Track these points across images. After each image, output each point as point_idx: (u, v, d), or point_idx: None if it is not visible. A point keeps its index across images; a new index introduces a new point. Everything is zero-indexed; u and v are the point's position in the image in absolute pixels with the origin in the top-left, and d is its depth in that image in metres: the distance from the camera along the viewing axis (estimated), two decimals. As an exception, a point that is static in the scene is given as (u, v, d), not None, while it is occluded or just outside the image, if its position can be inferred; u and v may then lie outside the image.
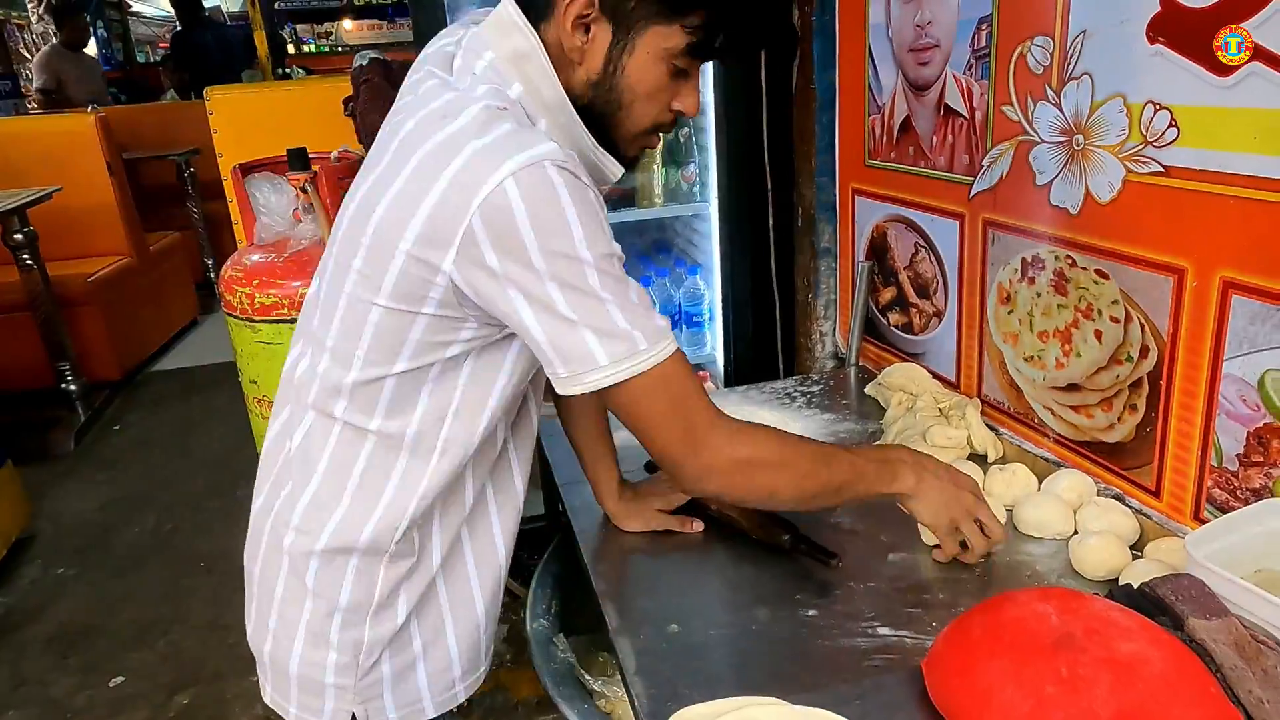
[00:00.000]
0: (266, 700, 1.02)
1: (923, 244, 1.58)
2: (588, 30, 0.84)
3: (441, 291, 0.81)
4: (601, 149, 0.90)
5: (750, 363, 2.25)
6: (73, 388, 3.80)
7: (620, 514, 1.25)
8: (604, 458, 1.26)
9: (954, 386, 1.55)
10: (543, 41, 0.85)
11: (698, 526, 1.23)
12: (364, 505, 0.91)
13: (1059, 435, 1.31)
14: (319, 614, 0.94)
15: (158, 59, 9.10)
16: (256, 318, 2.03)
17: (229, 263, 2.16)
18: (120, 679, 2.27)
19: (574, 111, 0.86)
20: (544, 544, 1.45)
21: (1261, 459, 1.00)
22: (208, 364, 4.43)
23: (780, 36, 0.92)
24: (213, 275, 5.48)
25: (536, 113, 0.85)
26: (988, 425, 1.42)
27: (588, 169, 0.86)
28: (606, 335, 0.80)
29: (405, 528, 0.92)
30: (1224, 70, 0.94)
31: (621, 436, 1.37)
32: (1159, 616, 0.81)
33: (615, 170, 0.93)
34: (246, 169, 2.18)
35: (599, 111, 0.87)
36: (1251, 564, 0.91)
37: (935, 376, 1.58)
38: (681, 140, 2.27)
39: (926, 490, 1.01)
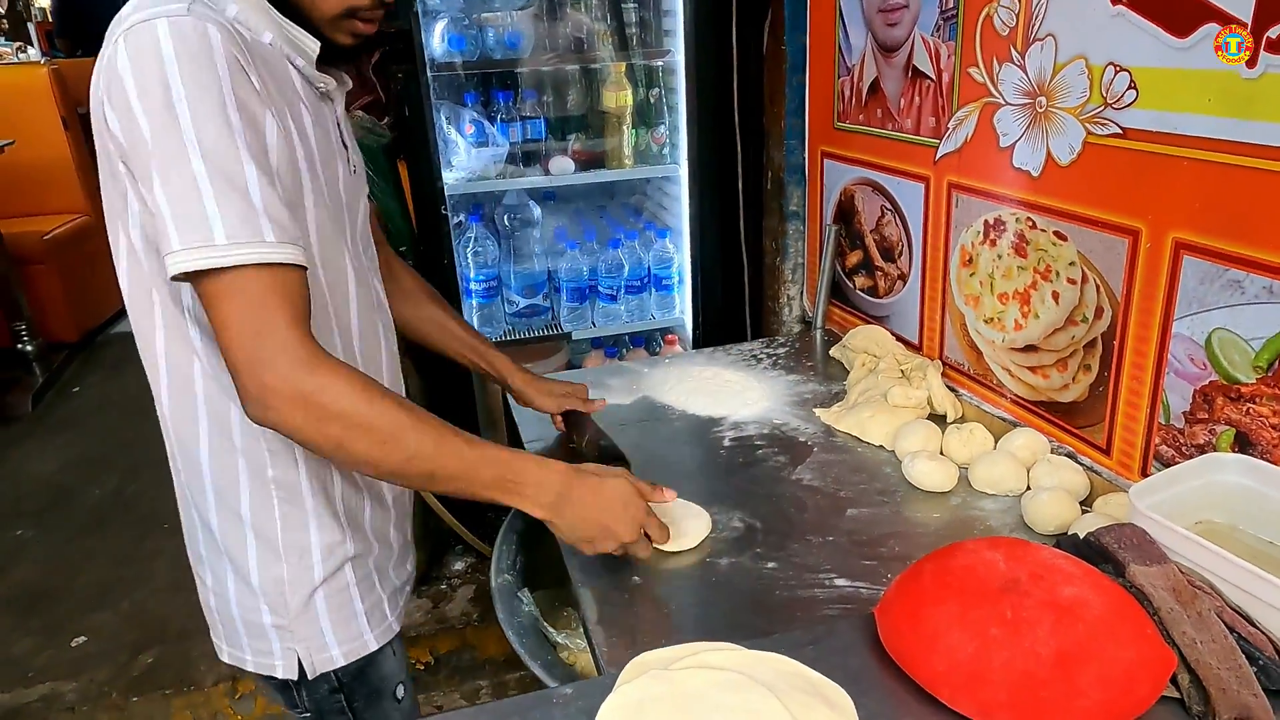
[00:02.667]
0: (225, 659, 1.03)
1: (889, 207, 1.59)
2: None
3: (114, 162, 0.81)
4: (294, 24, 0.87)
5: (718, 326, 2.26)
6: (29, 348, 3.72)
7: (531, 392, 1.32)
8: (479, 342, 1.30)
9: (916, 349, 1.57)
10: None
11: (599, 404, 1.36)
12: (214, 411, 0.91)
13: (1016, 396, 1.34)
14: (235, 548, 0.95)
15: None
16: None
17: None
18: (82, 639, 2.25)
19: None
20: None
21: (1206, 416, 1.03)
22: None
23: None
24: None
25: (223, 2, 0.82)
26: (948, 386, 1.44)
27: (292, 47, 0.87)
28: (185, 213, 0.74)
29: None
30: (1182, 31, 0.95)
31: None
32: (1102, 564, 0.84)
33: (309, 42, 0.88)
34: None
35: None
36: (1193, 515, 0.94)
37: (898, 339, 1.60)
38: (652, 101, 2.24)
39: (566, 519, 0.92)
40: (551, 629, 1.24)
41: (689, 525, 1.12)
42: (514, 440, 1.52)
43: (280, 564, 0.95)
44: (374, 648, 1.03)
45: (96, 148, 0.83)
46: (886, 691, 0.78)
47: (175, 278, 0.76)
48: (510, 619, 1.24)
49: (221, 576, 0.98)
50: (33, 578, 2.52)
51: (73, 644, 2.24)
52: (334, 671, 1.01)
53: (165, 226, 0.75)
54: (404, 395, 1.07)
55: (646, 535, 0.98)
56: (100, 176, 0.85)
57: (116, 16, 0.79)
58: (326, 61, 0.92)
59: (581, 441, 1.29)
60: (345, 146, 0.98)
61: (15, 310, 3.65)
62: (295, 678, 0.98)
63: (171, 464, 0.99)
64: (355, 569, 1.01)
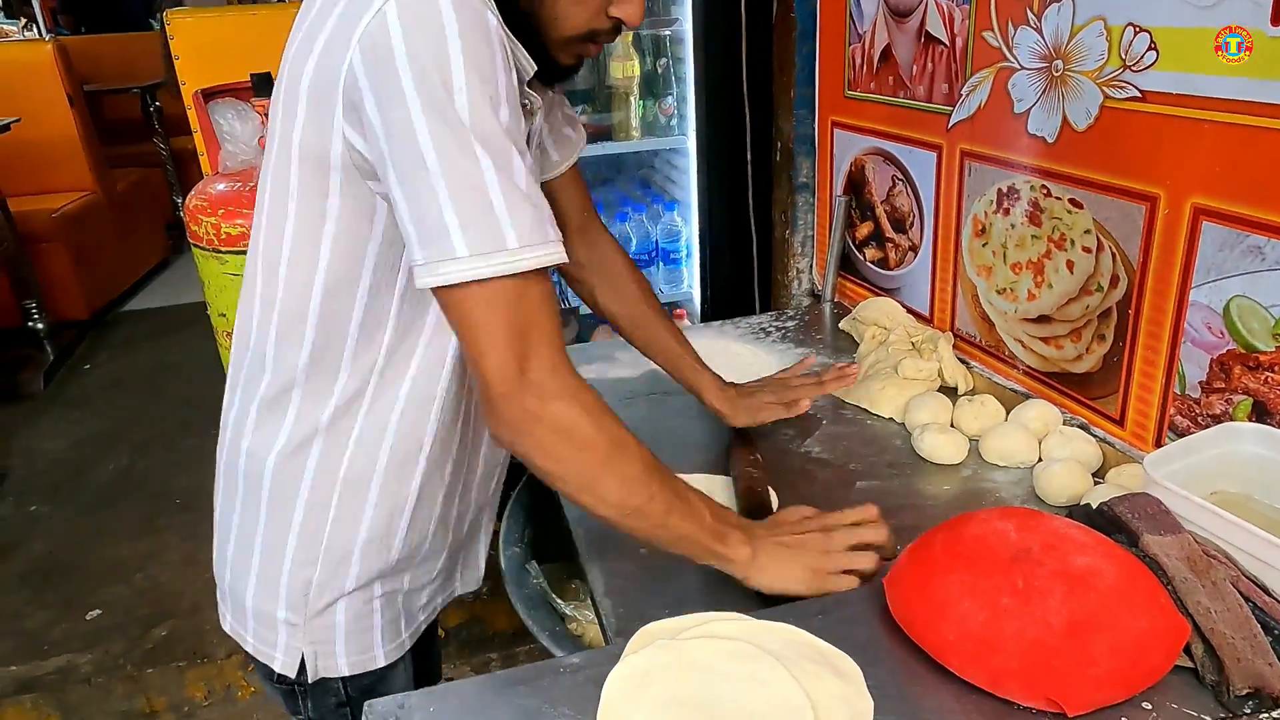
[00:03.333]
0: (226, 628, 1.00)
1: (900, 177, 1.56)
2: None
3: (340, 160, 0.75)
4: (515, 39, 0.79)
5: (727, 299, 2.24)
6: (40, 326, 3.73)
7: (727, 411, 1.23)
8: (687, 357, 1.23)
9: (927, 321, 1.55)
10: None
11: (804, 405, 1.23)
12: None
13: (1028, 367, 1.32)
14: (271, 549, 0.92)
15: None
16: (223, 249, 1.99)
17: (194, 192, 2.11)
18: (97, 612, 2.28)
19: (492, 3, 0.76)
20: (517, 478, 1.45)
21: (1224, 385, 1.01)
22: (179, 304, 4.37)
23: None
24: (182, 214, 5.36)
25: None
26: (959, 358, 1.43)
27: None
28: (472, 215, 0.68)
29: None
30: (1205, -11, 0.92)
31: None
32: (1115, 534, 0.83)
33: (527, 66, 0.81)
34: (209, 95, 2.11)
35: (523, 10, 0.79)
36: (1208, 485, 0.93)
37: (909, 311, 1.58)
38: (659, 71, 2.22)
39: (766, 562, 0.87)
40: (560, 601, 1.24)
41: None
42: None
43: (314, 566, 0.91)
44: (382, 664, 0.98)
45: (283, 114, 0.76)
46: (896, 661, 0.77)
47: (435, 287, 0.71)
48: (519, 591, 1.25)
49: (246, 561, 0.94)
50: (47, 553, 2.55)
51: (87, 617, 2.27)
52: (343, 685, 0.97)
53: (444, 227, 0.68)
54: None
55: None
56: (279, 149, 0.79)
57: None
58: (542, 82, 0.86)
59: (749, 480, 1.15)
60: (536, 163, 0.95)
61: (26, 289, 3.66)
62: (293, 676, 0.94)
63: (222, 436, 0.96)
64: (384, 584, 0.96)
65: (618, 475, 0.79)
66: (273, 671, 0.95)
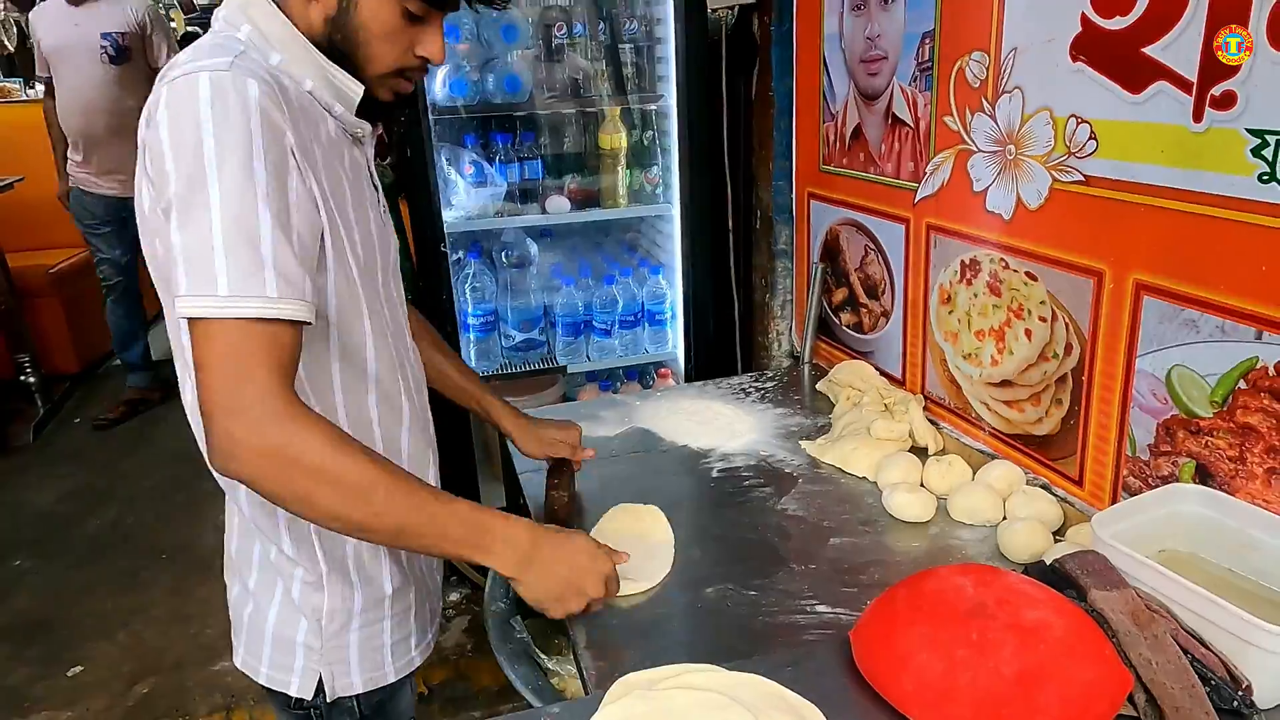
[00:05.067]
0: (238, 664, 1.05)
1: (872, 247, 1.65)
2: None
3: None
4: (339, 69, 0.90)
5: (710, 359, 2.31)
6: (32, 380, 3.76)
7: (519, 436, 1.33)
8: (473, 385, 1.31)
9: (899, 383, 1.62)
10: None
11: (588, 453, 1.36)
12: None
13: (993, 429, 1.39)
14: (286, 572, 0.98)
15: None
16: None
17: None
18: (79, 669, 2.27)
19: (306, 41, 0.88)
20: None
21: (1169, 449, 1.08)
22: (170, 359, 4.39)
23: None
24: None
25: (268, 50, 0.87)
26: (929, 420, 1.49)
27: (332, 94, 0.90)
28: (196, 259, 0.76)
29: None
30: (1136, 87, 1.02)
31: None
32: (1066, 589, 0.88)
33: (354, 87, 0.91)
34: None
35: (340, 50, 0.89)
36: (1156, 544, 0.99)
37: (882, 374, 1.65)
38: (645, 143, 2.32)
39: (531, 578, 0.91)
40: (543, 655, 1.27)
41: (650, 566, 1.15)
42: (509, 473, 1.56)
43: (321, 594, 0.98)
44: (392, 679, 1.05)
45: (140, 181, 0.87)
46: (860, 710, 0.82)
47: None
48: (503, 645, 1.27)
49: (268, 589, 1.00)
50: (30, 608, 2.54)
51: (69, 674, 2.26)
52: (356, 702, 1.03)
53: (177, 270, 0.77)
54: (431, 431, 1.12)
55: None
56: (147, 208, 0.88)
57: (170, 61, 0.84)
58: (368, 115, 0.95)
59: (551, 499, 1.29)
60: (376, 189, 1.02)
61: (20, 342, 3.70)
62: (309, 698, 1.00)
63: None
64: (394, 603, 1.04)
65: (337, 491, 0.79)
66: (289, 699, 1.01)
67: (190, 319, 0.77)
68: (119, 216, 3.52)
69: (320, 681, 1.00)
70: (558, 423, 1.38)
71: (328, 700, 1.01)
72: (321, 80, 0.90)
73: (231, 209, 0.76)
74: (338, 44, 0.89)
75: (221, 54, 0.80)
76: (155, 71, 3.34)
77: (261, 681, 1.02)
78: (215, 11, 0.93)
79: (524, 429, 1.34)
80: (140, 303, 3.74)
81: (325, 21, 0.88)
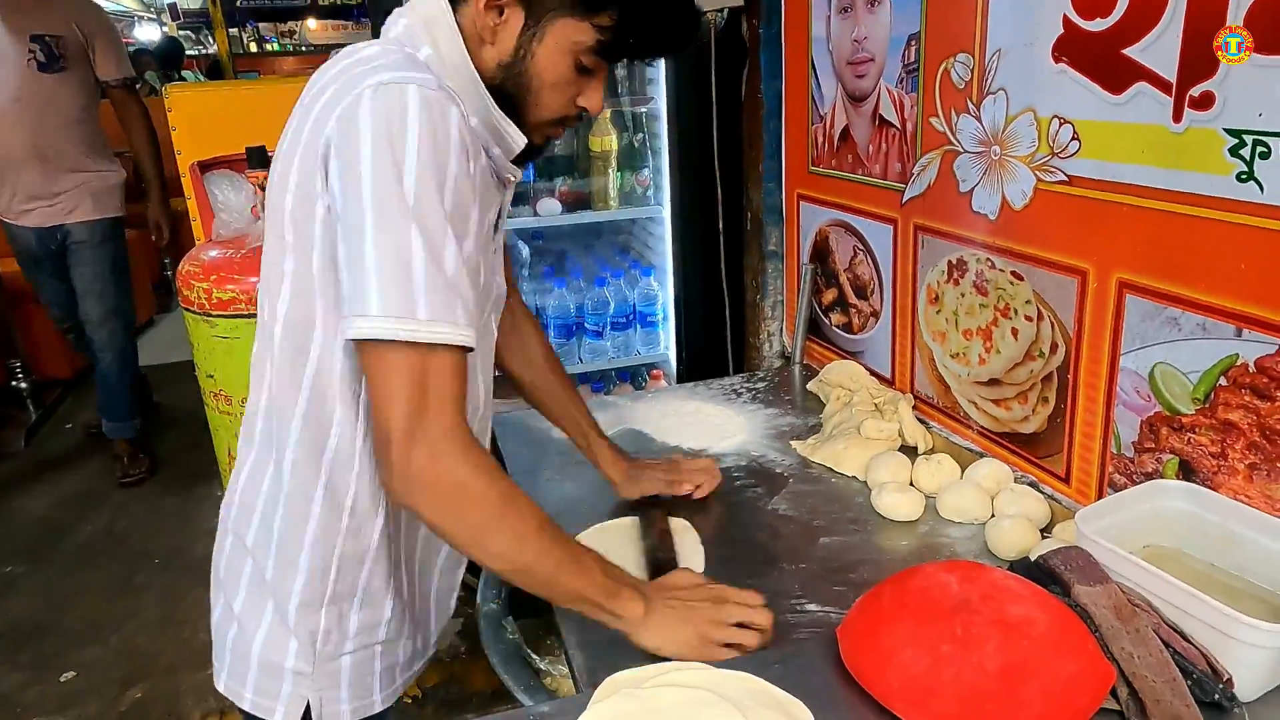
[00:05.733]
0: (220, 688, 1.02)
1: (861, 247, 1.66)
2: (501, 12, 0.87)
3: (323, 223, 0.82)
4: (505, 116, 0.90)
5: (701, 361, 2.32)
6: (23, 385, 3.75)
7: (620, 483, 1.30)
8: (586, 426, 1.30)
9: (889, 383, 1.63)
10: (459, 19, 0.88)
11: (685, 488, 1.31)
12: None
13: (981, 427, 1.40)
14: (280, 594, 0.95)
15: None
16: (214, 313, 2.05)
17: (186, 258, 2.18)
18: (71, 674, 2.27)
19: (479, 78, 0.88)
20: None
21: (1153, 445, 1.09)
22: (163, 363, 4.39)
23: (687, 43, 0.93)
24: (170, 274, 5.42)
25: (443, 77, 0.86)
26: (918, 419, 1.50)
27: (492, 136, 0.90)
28: (392, 279, 0.75)
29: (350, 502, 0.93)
30: (1116, 88, 1.03)
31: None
32: (1050, 585, 0.89)
33: (518, 139, 0.92)
34: (205, 166, 2.20)
35: (507, 93, 0.89)
36: (1140, 539, 1.00)
37: (872, 373, 1.66)
38: (636, 145, 2.33)
39: (657, 623, 0.91)
40: (535, 656, 1.27)
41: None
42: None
43: (319, 614, 0.95)
44: (379, 709, 1.03)
45: (279, 179, 0.85)
46: (847, 706, 0.83)
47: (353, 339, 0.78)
48: (495, 647, 1.28)
49: (256, 613, 0.97)
50: (23, 613, 2.54)
51: (61, 679, 2.25)
52: None
53: (365, 286, 0.75)
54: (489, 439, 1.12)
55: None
56: (277, 211, 0.86)
57: (356, 58, 0.82)
58: (519, 158, 0.96)
59: (643, 543, 1.22)
60: (497, 230, 1.02)
61: (10, 348, 3.69)
62: None
63: (231, 497, 1.01)
64: (388, 630, 1.01)
65: (507, 532, 0.83)
66: None
67: (369, 340, 0.77)
68: (53, 250, 3.00)
69: (308, 708, 0.97)
70: (659, 462, 1.34)
71: None
72: (486, 120, 0.90)
73: (430, 233, 0.76)
74: (507, 88, 0.89)
75: (422, 69, 0.80)
76: (99, 87, 2.99)
77: (245, 708, 0.99)
78: (392, 18, 0.92)
79: (625, 474, 1.30)
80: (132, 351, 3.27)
81: (498, 66, 0.88)
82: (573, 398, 1.30)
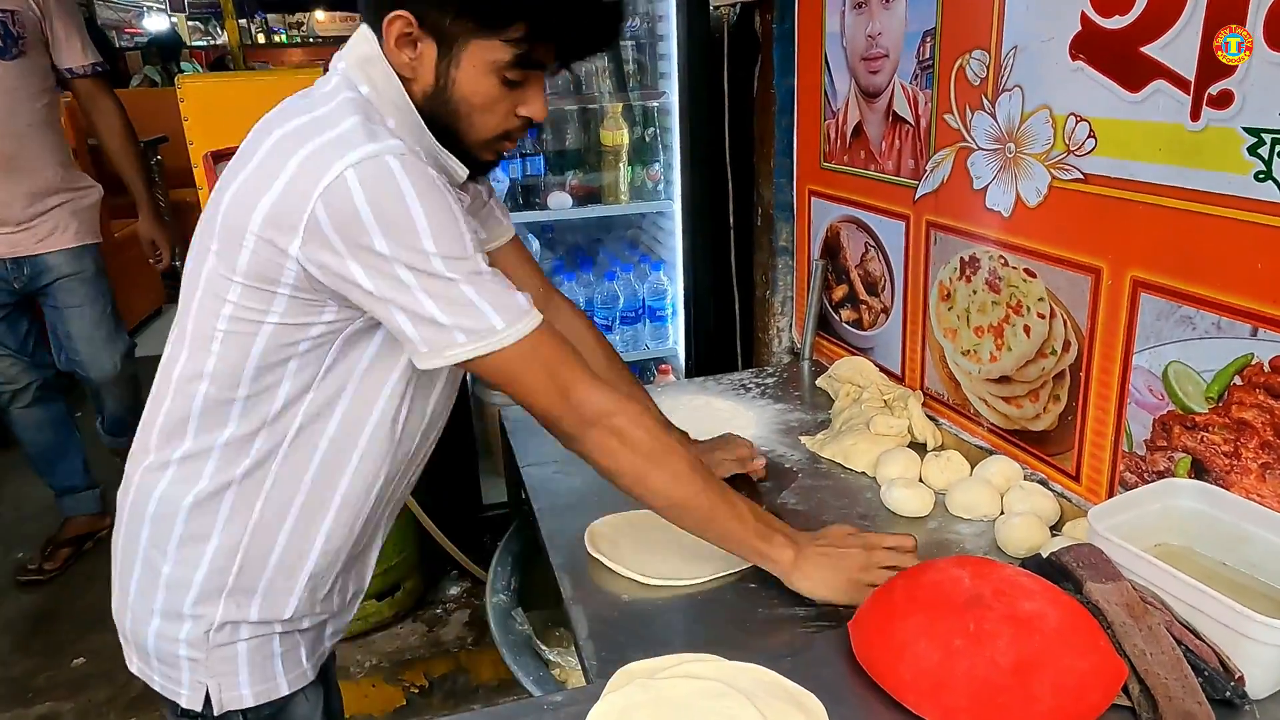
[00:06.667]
0: (133, 670, 1.04)
1: (872, 244, 1.66)
2: (415, 46, 0.88)
3: (294, 275, 0.85)
4: (445, 150, 0.94)
5: (710, 356, 2.32)
6: (34, 373, 3.73)
7: None
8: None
9: (899, 379, 1.63)
10: (389, 57, 0.90)
11: (758, 464, 1.36)
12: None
13: (992, 424, 1.40)
14: (175, 586, 0.96)
15: (125, 44, 8.97)
16: (225, 303, 2.05)
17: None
18: (81, 660, 2.29)
19: (416, 112, 0.91)
20: (505, 529, 1.50)
21: (1165, 444, 1.09)
22: (172, 352, 4.40)
23: (610, 37, 0.95)
24: (178, 264, 5.42)
25: (385, 112, 0.89)
26: (928, 416, 1.50)
27: (436, 167, 0.90)
28: (458, 312, 0.84)
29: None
30: (1134, 86, 1.03)
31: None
32: (1062, 581, 0.89)
33: (459, 171, 0.96)
34: (218, 156, 2.20)
35: (442, 123, 0.91)
36: (1152, 538, 1.00)
37: (882, 370, 1.66)
38: (647, 140, 2.33)
39: (809, 568, 1.00)
40: (544, 646, 1.28)
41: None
42: (511, 466, 1.57)
43: (218, 604, 0.96)
44: (285, 692, 1.02)
45: (222, 248, 0.87)
46: (858, 699, 0.83)
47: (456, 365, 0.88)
48: (505, 637, 1.29)
49: (147, 602, 0.97)
50: (33, 600, 2.56)
51: (72, 665, 2.27)
52: (244, 717, 0.99)
53: (439, 325, 0.84)
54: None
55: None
56: (209, 260, 0.89)
57: (311, 118, 0.85)
58: (471, 174, 0.98)
59: None
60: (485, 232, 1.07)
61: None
62: (198, 709, 0.97)
63: (128, 484, 1.00)
64: (285, 620, 1.01)
65: (667, 472, 0.94)
66: (179, 708, 0.98)
67: (482, 362, 0.87)
68: (16, 288, 2.38)
69: (208, 694, 0.97)
70: (719, 442, 1.36)
71: (215, 714, 0.97)
72: (427, 153, 0.91)
73: (463, 267, 0.84)
74: (440, 117, 0.91)
75: (381, 131, 0.84)
76: (57, 75, 2.34)
77: (156, 689, 1.00)
78: (332, 62, 0.94)
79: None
80: (65, 404, 2.69)
81: (425, 98, 0.90)
82: (638, 390, 1.31)
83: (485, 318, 0.85)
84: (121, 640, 1.05)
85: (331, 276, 0.84)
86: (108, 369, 2.52)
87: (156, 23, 10.25)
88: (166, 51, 7.36)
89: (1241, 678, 0.79)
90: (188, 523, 0.95)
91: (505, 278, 0.89)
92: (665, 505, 0.97)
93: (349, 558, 1.06)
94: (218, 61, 7.87)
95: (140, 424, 1.01)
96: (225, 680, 0.98)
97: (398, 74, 0.90)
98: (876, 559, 1.01)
